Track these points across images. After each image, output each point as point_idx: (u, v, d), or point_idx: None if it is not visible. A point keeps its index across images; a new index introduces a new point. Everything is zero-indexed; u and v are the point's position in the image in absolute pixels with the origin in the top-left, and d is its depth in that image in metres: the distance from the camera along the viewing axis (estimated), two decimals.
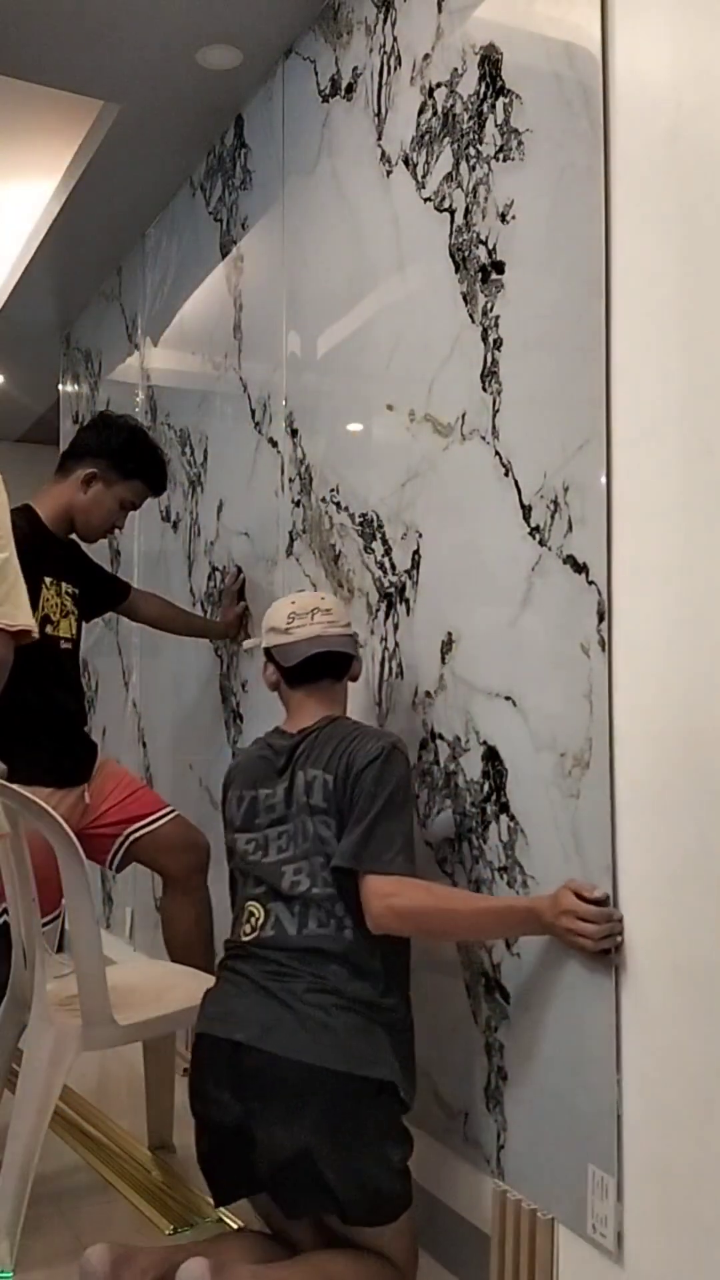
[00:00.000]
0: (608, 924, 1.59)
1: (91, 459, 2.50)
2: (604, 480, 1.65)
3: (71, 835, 2.02)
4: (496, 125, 1.90)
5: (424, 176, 2.12)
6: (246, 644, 2.63)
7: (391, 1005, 1.78)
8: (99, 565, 2.86)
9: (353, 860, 1.77)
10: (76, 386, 4.63)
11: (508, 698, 1.87)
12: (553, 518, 1.76)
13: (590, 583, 1.67)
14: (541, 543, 1.78)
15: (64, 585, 2.54)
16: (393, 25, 2.24)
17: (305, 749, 1.92)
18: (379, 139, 2.28)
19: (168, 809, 2.71)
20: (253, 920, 1.86)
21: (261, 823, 1.93)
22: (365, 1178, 1.70)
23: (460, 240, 2.00)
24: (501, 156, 1.89)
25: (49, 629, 2.48)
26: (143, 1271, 1.67)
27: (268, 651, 2.08)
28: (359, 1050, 1.70)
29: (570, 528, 1.72)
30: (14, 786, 2.06)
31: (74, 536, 2.64)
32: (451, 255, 2.02)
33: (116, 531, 2.70)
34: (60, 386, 4.87)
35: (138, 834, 2.63)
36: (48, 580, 2.48)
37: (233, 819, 1.99)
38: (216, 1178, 1.80)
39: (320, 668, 2.01)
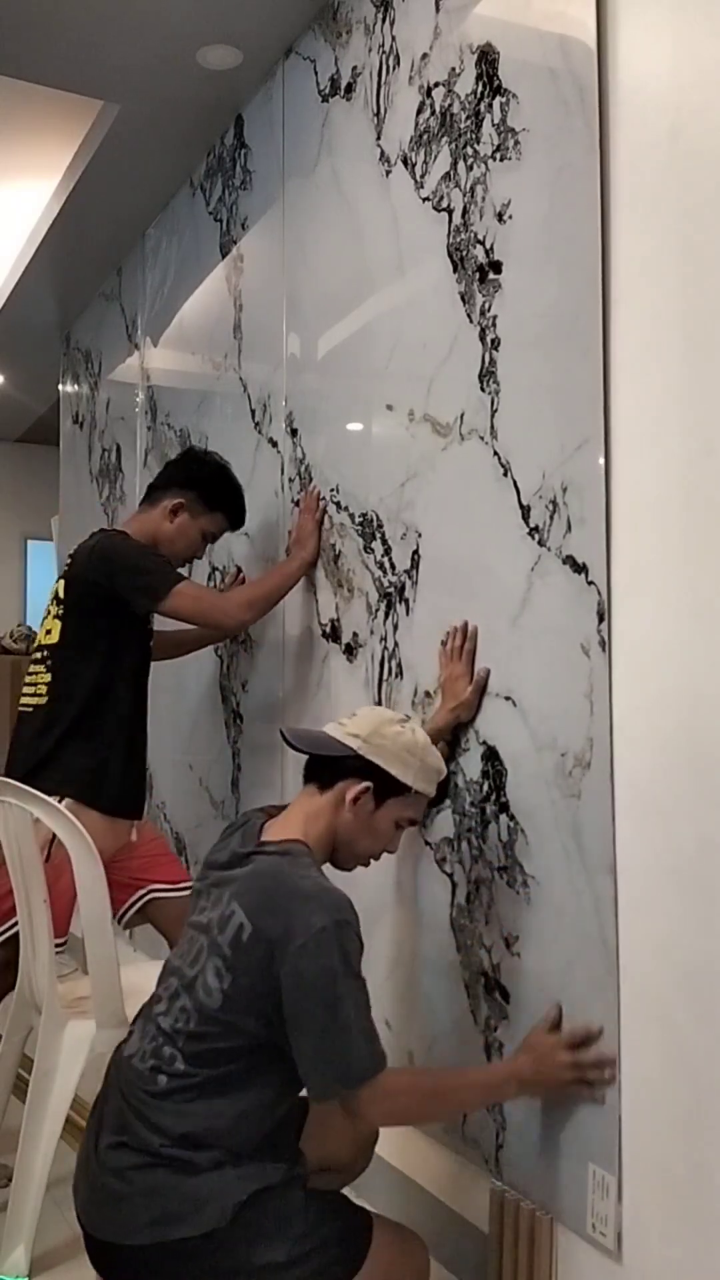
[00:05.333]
0: (609, 1066, 1.59)
1: (179, 490, 2.54)
2: (603, 480, 1.65)
3: (86, 835, 2.02)
4: (494, 124, 1.90)
5: (422, 176, 2.12)
6: None
7: (224, 1143, 1.51)
8: None
9: (336, 1086, 1.50)
10: (76, 386, 4.64)
11: (508, 698, 1.87)
12: (551, 518, 1.76)
13: (590, 583, 1.67)
14: (541, 543, 1.78)
15: None
16: (391, 25, 2.24)
17: (248, 873, 1.59)
18: (378, 139, 2.28)
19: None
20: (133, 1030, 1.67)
21: (190, 928, 1.66)
22: None
23: (458, 240, 2.00)
24: (498, 156, 1.89)
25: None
26: None
27: None
28: (164, 1212, 1.47)
29: (569, 528, 1.72)
30: (23, 785, 2.07)
31: None
32: (450, 255, 2.02)
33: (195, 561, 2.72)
34: (60, 386, 4.87)
35: (158, 894, 2.59)
36: None
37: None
38: None
39: (308, 766, 1.73)
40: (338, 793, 1.67)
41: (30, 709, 2.44)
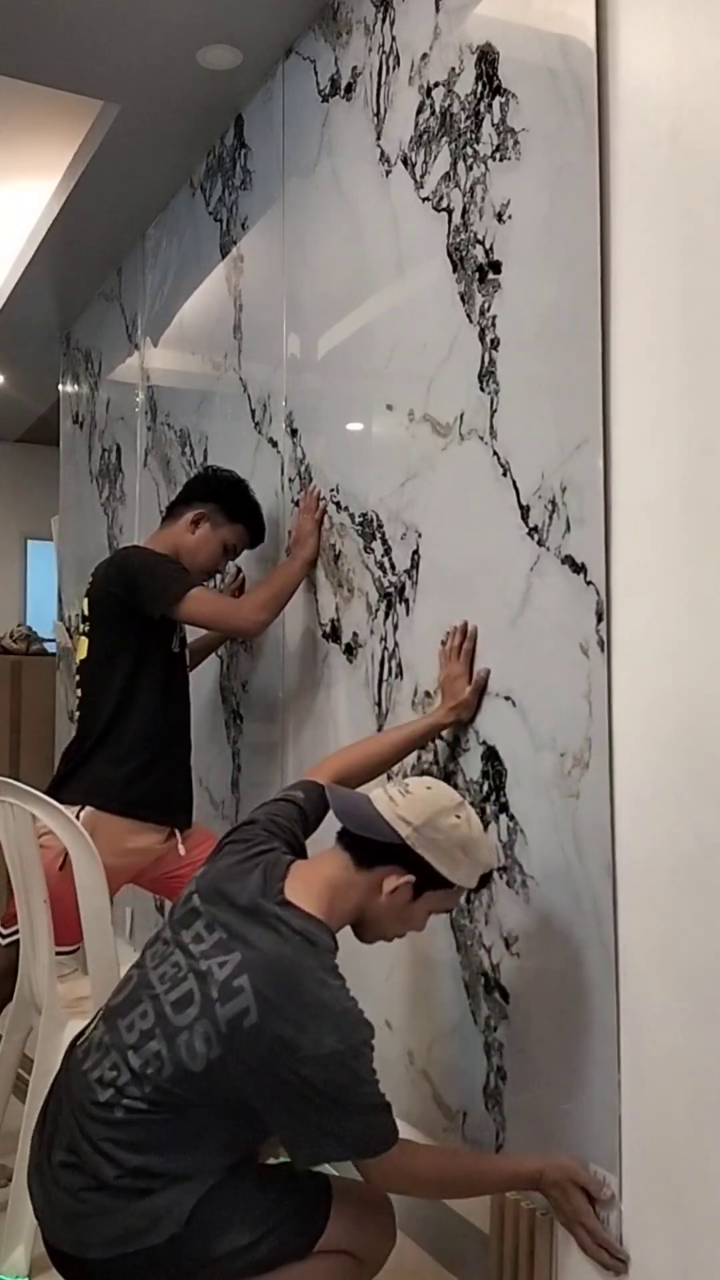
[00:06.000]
0: (612, 1254, 1.59)
1: (200, 502, 2.58)
2: (602, 480, 1.65)
3: (85, 835, 2.03)
4: (493, 124, 1.90)
5: (422, 176, 2.12)
6: None
7: (178, 1174, 1.47)
8: None
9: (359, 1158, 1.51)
10: (76, 386, 4.64)
11: (507, 698, 1.87)
12: (551, 518, 1.76)
13: (589, 583, 1.67)
14: (540, 543, 1.78)
15: None
16: (391, 25, 2.24)
17: (269, 949, 1.48)
18: (378, 139, 2.28)
19: None
20: (89, 1033, 1.61)
21: (175, 945, 1.56)
22: None
23: (458, 240, 2.00)
24: (498, 156, 1.89)
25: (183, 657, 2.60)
26: None
27: None
28: (122, 1228, 1.45)
29: (568, 528, 1.72)
30: (25, 786, 2.08)
31: None
32: (449, 255, 2.02)
33: (217, 577, 2.75)
34: (60, 386, 4.87)
35: None
36: None
37: (180, 901, 1.63)
38: None
39: (346, 833, 1.62)
40: (375, 877, 1.57)
41: (75, 725, 2.52)
